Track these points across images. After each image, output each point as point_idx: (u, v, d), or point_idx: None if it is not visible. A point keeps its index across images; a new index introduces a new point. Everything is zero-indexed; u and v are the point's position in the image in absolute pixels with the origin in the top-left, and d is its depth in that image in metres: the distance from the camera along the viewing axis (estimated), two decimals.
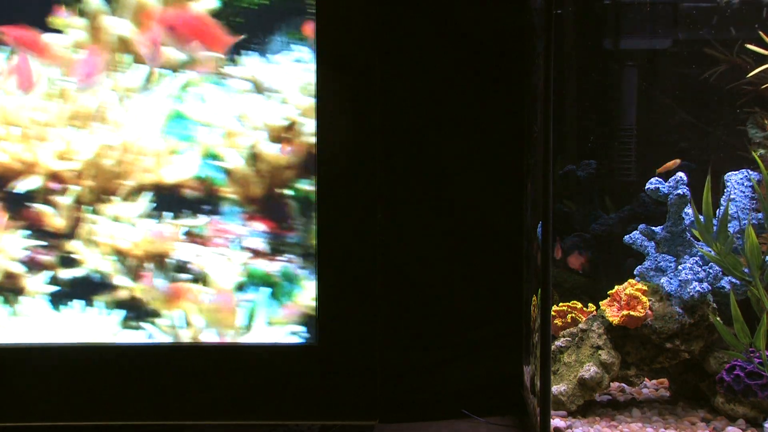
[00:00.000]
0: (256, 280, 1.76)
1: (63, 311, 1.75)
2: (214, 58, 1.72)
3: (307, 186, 1.74)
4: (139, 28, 1.72)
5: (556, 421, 1.80)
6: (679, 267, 1.88)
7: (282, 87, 1.73)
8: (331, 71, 1.70)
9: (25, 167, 1.73)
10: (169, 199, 1.75)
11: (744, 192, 1.94)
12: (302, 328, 1.76)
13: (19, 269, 1.75)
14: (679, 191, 1.89)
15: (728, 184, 1.95)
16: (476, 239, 2.07)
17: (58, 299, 1.75)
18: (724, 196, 1.94)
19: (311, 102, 1.72)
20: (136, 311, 1.76)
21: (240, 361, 1.74)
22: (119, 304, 1.76)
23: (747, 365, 1.80)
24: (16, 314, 1.76)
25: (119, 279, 1.75)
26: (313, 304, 1.75)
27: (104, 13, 1.71)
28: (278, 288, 1.76)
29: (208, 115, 1.74)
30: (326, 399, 1.73)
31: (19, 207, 1.74)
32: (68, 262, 1.75)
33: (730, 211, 1.91)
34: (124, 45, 1.72)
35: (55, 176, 1.74)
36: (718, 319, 1.83)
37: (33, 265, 1.75)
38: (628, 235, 1.97)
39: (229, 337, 1.76)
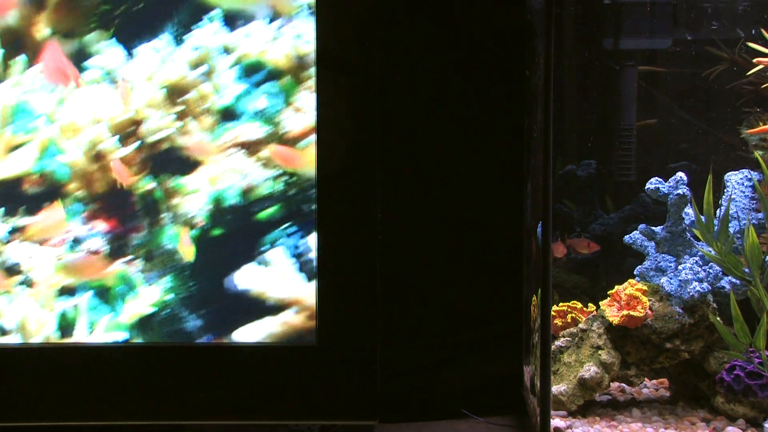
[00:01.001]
0: (86, 283, 1.73)
1: None
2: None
3: (151, 185, 1.71)
4: None
5: (556, 421, 1.80)
6: (679, 267, 1.88)
7: (135, 79, 1.70)
8: (331, 71, 1.70)
9: None
10: (4, 195, 1.72)
11: (744, 192, 1.94)
12: (127, 334, 1.74)
13: None
14: (679, 191, 1.89)
15: (728, 184, 1.95)
16: (476, 239, 2.07)
17: None
18: (724, 197, 1.94)
19: (163, 93, 1.70)
20: None
21: (240, 361, 1.74)
22: None
23: (747, 365, 1.80)
24: None
25: None
26: (152, 310, 1.73)
27: None
28: (111, 291, 1.73)
29: (51, 106, 1.70)
30: (326, 399, 1.73)
31: None
32: None
33: (730, 211, 1.91)
34: None
35: None
36: (718, 319, 1.83)
37: None
38: (628, 235, 1.97)
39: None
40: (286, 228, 1.72)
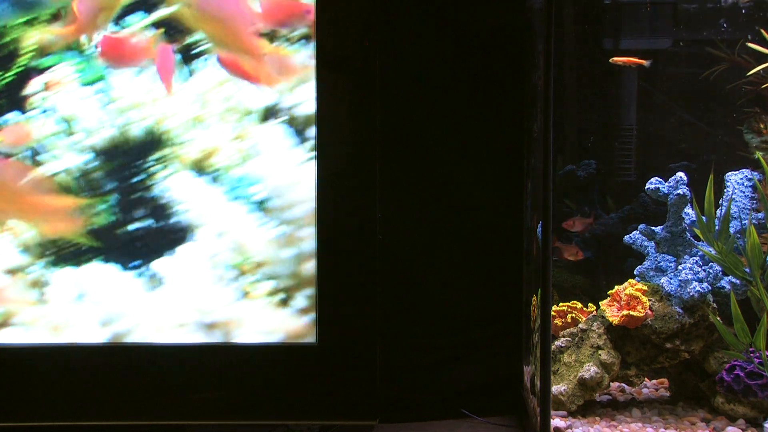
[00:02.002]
0: None
1: None
2: None
3: None
4: None
5: (556, 421, 1.80)
6: (679, 267, 1.88)
7: None
8: (331, 71, 1.70)
9: None
10: None
11: (744, 192, 1.94)
12: None
13: None
14: (679, 191, 1.89)
15: (728, 184, 1.96)
16: (476, 239, 2.07)
17: None
18: (724, 197, 1.94)
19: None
20: None
21: (240, 361, 1.74)
22: None
23: (747, 365, 1.80)
24: None
25: None
26: None
27: None
28: None
29: None
30: (326, 399, 1.73)
31: None
32: None
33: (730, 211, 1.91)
34: None
35: None
36: (718, 319, 1.84)
37: None
38: (628, 235, 1.97)
39: None
40: None
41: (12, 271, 1.78)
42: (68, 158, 1.75)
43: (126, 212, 1.77)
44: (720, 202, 1.93)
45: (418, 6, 2.02)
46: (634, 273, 1.95)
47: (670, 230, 1.92)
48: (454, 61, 2.04)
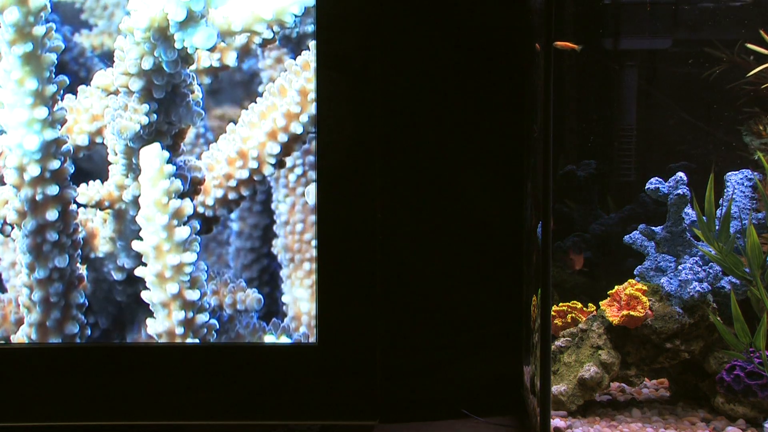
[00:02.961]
0: None
1: None
2: None
3: None
4: None
5: (556, 421, 1.80)
6: (679, 267, 1.88)
7: None
8: (331, 71, 1.70)
9: None
10: None
11: (744, 192, 1.94)
12: None
13: None
14: (679, 191, 1.89)
15: (728, 184, 1.95)
16: (476, 239, 2.07)
17: None
18: (724, 196, 1.94)
19: None
20: None
21: (240, 361, 1.74)
22: None
23: (747, 365, 1.80)
24: None
25: None
26: None
27: None
28: None
29: None
30: (326, 399, 1.73)
31: None
32: None
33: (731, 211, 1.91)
34: None
35: None
36: (719, 318, 1.83)
37: None
38: (628, 235, 1.97)
39: None
40: None
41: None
42: None
43: None
44: (720, 202, 1.93)
45: (418, 6, 2.02)
46: (634, 273, 1.95)
47: (670, 230, 1.92)
48: (454, 61, 2.04)
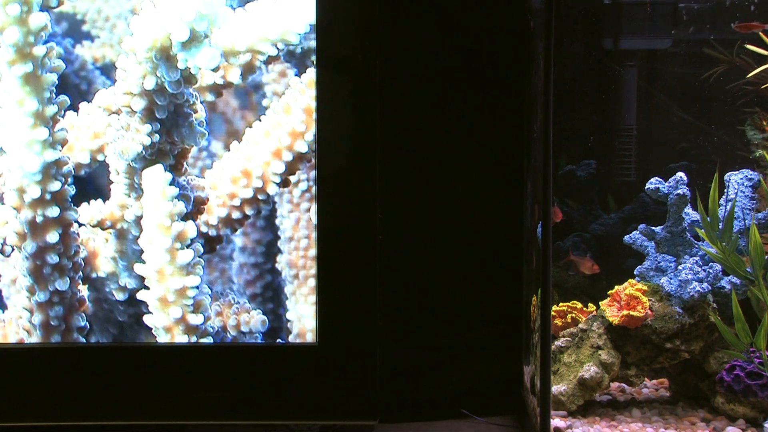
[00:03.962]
0: None
1: None
2: None
3: None
4: None
5: (556, 421, 1.80)
6: (679, 267, 1.88)
7: None
8: (331, 71, 1.70)
9: None
10: None
11: (744, 192, 1.94)
12: None
13: None
14: (679, 191, 1.89)
15: (728, 184, 1.95)
16: (476, 239, 2.07)
17: None
18: (725, 197, 1.94)
19: None
20: None
21: (240, 361, 1.74)
22: None
23: (747, 365, 1.80)
24: None
25: None
26: None
27: None
28: None
29: None
30: (326, 399, 1.73)
31: None
32: None
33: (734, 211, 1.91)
34: None
35: None
36: (719, 318, 1.84)
37: None
38: (628, 235, 1.97)
39: None
40: None
41: None
42: None
43: None
44: (720, 202, 1.93)
45: (418, 6, 2.02)
46: (634, 273, 1.95)
47: (670, 230, 1.92)
48: (454, 61, 2.04)
